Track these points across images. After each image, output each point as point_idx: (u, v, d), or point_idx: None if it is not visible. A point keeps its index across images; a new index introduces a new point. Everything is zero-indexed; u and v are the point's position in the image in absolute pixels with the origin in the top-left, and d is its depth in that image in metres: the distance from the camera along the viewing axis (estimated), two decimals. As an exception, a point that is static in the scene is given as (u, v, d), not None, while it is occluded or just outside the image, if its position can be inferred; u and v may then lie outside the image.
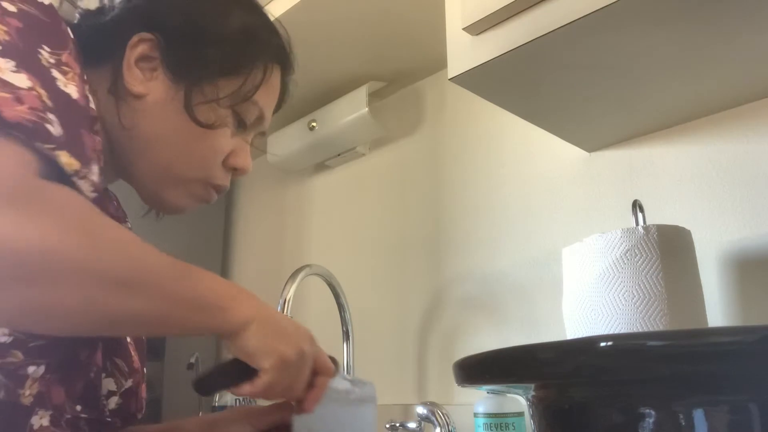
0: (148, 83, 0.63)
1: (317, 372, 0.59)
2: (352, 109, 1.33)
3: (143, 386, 0.66)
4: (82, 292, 0.44)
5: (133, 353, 0.64)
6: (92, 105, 0.55)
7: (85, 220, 0.46)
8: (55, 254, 0.43)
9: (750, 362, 0.43)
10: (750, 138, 0.87)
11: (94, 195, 0.52)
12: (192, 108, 0.63)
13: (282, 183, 1.68)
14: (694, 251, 0.74)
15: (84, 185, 0.51)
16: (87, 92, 0.55)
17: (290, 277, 1.11)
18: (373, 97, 1.37)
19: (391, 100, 1.42)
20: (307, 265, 1.16)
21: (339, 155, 1.46)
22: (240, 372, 0.55)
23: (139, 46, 0.62)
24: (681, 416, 0.45)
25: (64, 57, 0.53)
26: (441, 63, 1.26)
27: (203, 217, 1.70)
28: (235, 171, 0.69)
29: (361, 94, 1.32)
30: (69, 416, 0.55)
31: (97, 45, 0.62)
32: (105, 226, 0.48)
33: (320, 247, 1.53)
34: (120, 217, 0.73)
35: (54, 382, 0.53)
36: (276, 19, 0.73)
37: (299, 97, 1.42)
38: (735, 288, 0.85)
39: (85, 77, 0.56)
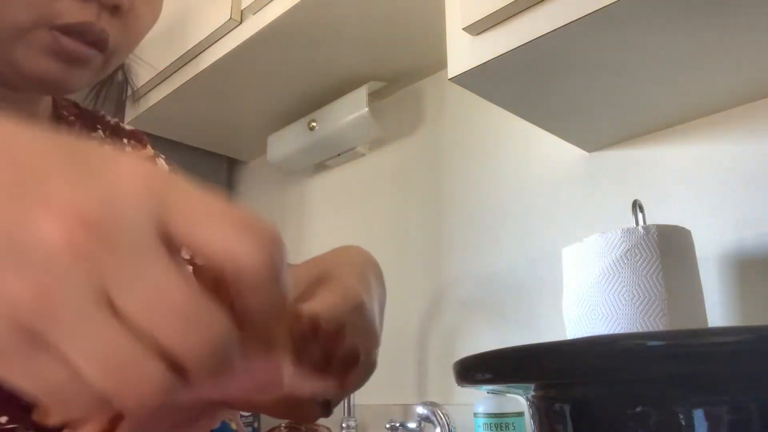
0: None
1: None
2: (352, 109, 1.33)
3: None
4: None
5: None
6: None
7: None
8: None
9: (750, 362, 0.43)
10: (750, 138, 0.87)
11: None
12: None
13: (282, 183, 1.68)
14: (694, 251, 0.74)
15: None
16: None
17: (290, 277, 1.11)
18: (373, 97, 1.37)
19: (391, 100, 1.42)
20: (307, 265, 1.16)
21: (339, 155, 1.46)
22: None
23: None
24: (681, 416, 0.45)
25: None
26: (441, 63, 1.26)
27: (203, 217, 1.69)
28: None
29: (361, 94, 1.32)
30: None
31: None
32: None
33: (320, 247, 1.51)
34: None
35: None
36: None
37: (299, 97, 1.43)
38: (735, 288, 0.85)
39: None
